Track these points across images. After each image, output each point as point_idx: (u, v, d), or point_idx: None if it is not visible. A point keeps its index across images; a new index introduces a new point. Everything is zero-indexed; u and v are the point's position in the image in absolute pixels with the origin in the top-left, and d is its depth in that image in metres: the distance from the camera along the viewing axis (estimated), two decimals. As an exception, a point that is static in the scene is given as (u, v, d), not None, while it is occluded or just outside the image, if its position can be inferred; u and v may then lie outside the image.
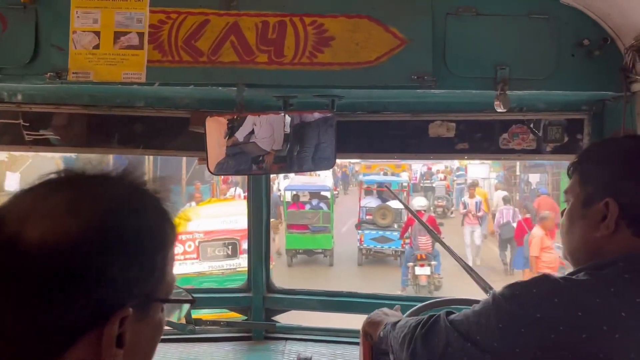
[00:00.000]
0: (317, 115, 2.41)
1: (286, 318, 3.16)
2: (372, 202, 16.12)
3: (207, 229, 8.93)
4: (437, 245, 11.23)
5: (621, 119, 2.16)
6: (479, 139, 2.59)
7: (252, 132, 2.36)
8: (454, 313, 1.36)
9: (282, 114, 2.35)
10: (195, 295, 2.92)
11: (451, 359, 1.28)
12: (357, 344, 2.41)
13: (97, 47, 2.04)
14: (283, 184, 17.22)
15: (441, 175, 25.18)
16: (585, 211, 1.31)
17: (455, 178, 24.93)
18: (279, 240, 14.79)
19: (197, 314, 3.22)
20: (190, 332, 2.80)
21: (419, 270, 11.27)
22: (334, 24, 2.12)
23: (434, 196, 21.63)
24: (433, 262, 11.39)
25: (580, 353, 1.11)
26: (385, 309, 1.92)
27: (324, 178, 17.61)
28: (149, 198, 0.83)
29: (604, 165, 1.31)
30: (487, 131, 2.58)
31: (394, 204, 14.77)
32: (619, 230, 1.25)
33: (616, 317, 1.12)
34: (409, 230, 12.32)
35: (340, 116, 2.44)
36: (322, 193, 15.78)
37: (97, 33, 2.05)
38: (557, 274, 1.26)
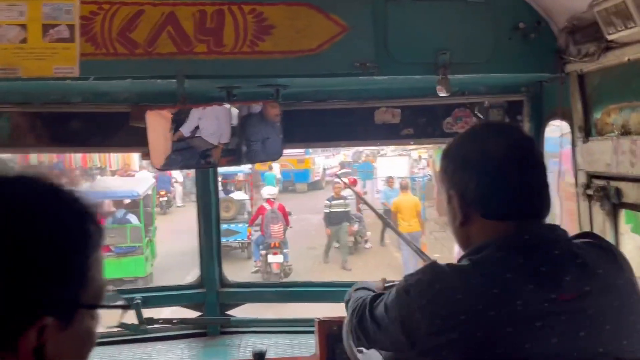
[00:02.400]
0: (262, 105, 2.38)
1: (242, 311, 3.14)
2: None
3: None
4: (286, 235, 11.99)
5: (558, 99, 2.23)
6: (424, 124, 2.63)
7: (198, 126, 2.31)
8: (379, 297, 1.43)
9: (226, 105, 2.30)
10: (146, 294, 2.83)
11: (381, 346, 1.41)
12: (312, 332, 2.42)
13: (24, 41, 1.94)
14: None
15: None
16: (448, 206, 1.41)
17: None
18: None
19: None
20: (142, 332, 2.73)
21: (272, 258, 11.45)
22: (274, 12, 2.09)
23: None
24: (286, 250, 11.69)
25: (464, 334, 1.19)
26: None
27: (138, 179, 14.33)
28: (65, 199, 0.78)
29: (445, 163, 1.42)
30: (431, 116, 2.62)
31: (237, 195, 14.37)
32: (471, 216, 1.35)
33: (490, 296, 1.20)
34: (259, 218, 12.28)
35: (285, 106, 2.42)
36: (128, 201, 12.41)
37: (24, 26, 1.94)
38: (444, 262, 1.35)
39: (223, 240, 12.32)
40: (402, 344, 1.28)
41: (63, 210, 0.77)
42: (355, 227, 13.85)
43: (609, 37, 1.78)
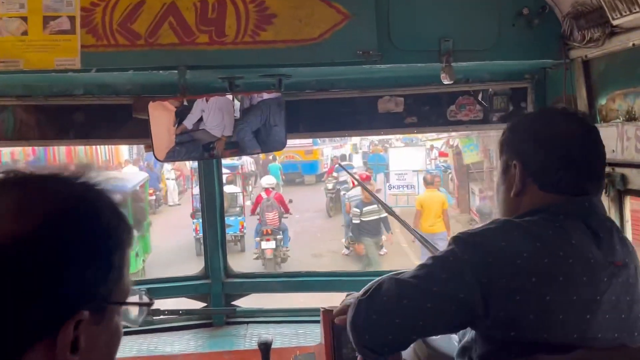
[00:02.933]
0: (265, 96, 2.37)
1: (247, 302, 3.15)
2: None
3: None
4: (285, 221, 12.15)
5: (562, 86, 2.21)
6: (427, 112, 2.61)
7: (201, 119, 2.31)
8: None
9: (229, 96, 2.29)
10: (151, 285, 2.85)
11: (411, 315, 1.27)
12: (318, 322, 2.43)
13: (25, 33, 1.94)
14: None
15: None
16: (504, 177, 1.46)
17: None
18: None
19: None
20: (147, 324, 2.74)
21: (265, 245, 11.61)
22: (276, 1, 2.07)
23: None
24: (279, 237, 11.73)
25: (543, 277, 1.22)
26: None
27: (126, 174, 13.76)
28: (103, 198, 0.80)
29: (511, 136, 1.47)
30: (435, 104, 2.61)
31: (229, 188, 13.26)
32: (527, 187, 1.39)
33: (569, 245, 1.25)
34: (258, 207, 12.33)
35: (288, 96, 2.41)
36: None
37: (25, 18, 1.94)
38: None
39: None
40: (467, 288, 1.21)
41: (105, 210, 0.79)
42: (390, 234, 11.56)
43: (614, 22, 1.76)
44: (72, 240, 0.73)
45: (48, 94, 2.44)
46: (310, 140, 20.48)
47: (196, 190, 13.94)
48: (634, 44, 1.79)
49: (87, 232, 0.75)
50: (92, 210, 0.77)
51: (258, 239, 11.87)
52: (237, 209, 13.69)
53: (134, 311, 0.86)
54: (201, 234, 12.96)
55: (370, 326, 1.32)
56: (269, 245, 11.57)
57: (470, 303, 1.22)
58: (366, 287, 1.42)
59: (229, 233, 12.97)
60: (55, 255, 0.71)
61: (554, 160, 1.36)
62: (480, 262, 1.23)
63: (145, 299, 0.86)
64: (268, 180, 13.08)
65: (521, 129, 1.46)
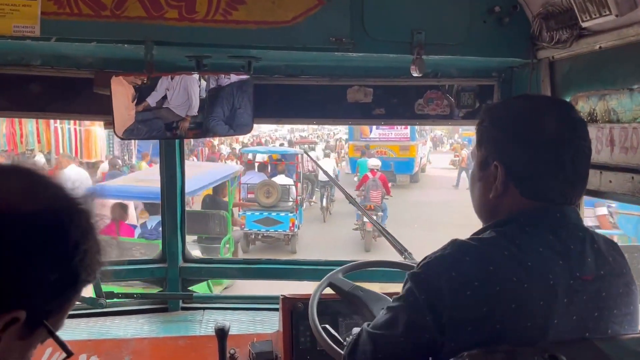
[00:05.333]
0: (233, 77, 2.32)
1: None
2: (254, 177, 13.88)
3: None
4: (386, 201, 13.56)
5: (528, 85, 2.25)
6: (395, 104, 2.62)
7: (165, 97, 2.24)
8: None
9: (195, 75, 2.23)
10: (106, 267, 2.76)
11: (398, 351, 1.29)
12: (276, 310, 2.41)
13: (-19, -5, 1.82)
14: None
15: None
16: (482, 173, 1.36)
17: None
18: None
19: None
20: (100, 306, 2.66)
21: (366, 218, 12.46)
22: (249, -20, 2.02)
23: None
24: (379, 213, 12.81)
25: (495, 305, 1.17)
26: None
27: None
28: (82, 215, 0.79)
29: (494, 129, 1.35)
30: (403, 97, 2.62)
31: (280, 179, 13.35)
32: (508, 191, 1.31)
33: (524, 268, 1.19)
34: (363, 185, 13.59)
35: (257, 79, 2.37)
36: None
37: (-19, -21, 1.82)
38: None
39: (263, 229, 11.57)
40: (428, 328, 1.21)
41: (79, 230, 0.78)
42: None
43: (583, 24, 1.80)
44: (45, 242, 0.72)
45: (2, 63, 2.32)
46: (407, 133, 19.01)
47: (244, 179, 13.30)
48: (600, 47, 1.83)
49: (61, 244, 0.74)
50: (70, 229, 0.76)
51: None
52: (290, 203, 12.97)
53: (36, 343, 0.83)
54: (247, 228, 12.21)
55: None
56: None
57: (434, 340, 1.21)
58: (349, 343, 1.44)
59: (277, 230, 12.45)
60: (31, 245, 0.71)
61: (542, 166, 1.27)
62: (434, 298, 1.20)
63: (66, 347, 0.82)
64: (374, 162, 14.46)
65: (506, 123, 1.34)
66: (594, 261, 1.25)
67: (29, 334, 0.75)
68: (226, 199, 10.32)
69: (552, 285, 1.19)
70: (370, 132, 19.82)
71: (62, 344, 0.79)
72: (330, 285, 1.94)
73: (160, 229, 7.84)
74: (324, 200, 15.49)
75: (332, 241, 12.70)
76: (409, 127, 18.43)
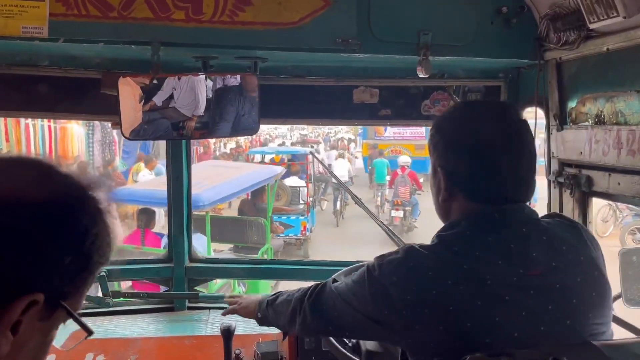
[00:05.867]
0: (239, 78, 2.32)
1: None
2: None
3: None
4: (417, 196, 14.10)
5: (535, 87, 2.24)
6: (402, 105, 2.62)
7: (172, 96, 2.24)
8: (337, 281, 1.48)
9: (202, 76, 2.24)
10: (113, 266, 2.75)
11: (343, 325, 1.42)
12: (281, 310, 2.41)
13: (-10, -4, 1.83)
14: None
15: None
16: (433, 180, 1.45)
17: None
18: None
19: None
20: (107, 306, 2.67)
21: (394, 213, 13.48)
22: (256, -18, 2.02)
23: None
24: (407, 208, 13.59)
25: (436, 309, 1.23)
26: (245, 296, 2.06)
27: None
28: (93, 202, 0.81)
29: (437, 137, 1.42)
30: (409, 98, 2.61)
31: (291, 181, 12.98)
32: (454, 195, 1.38)
33: (460, 271, 1.25)
34: (394, 182, 14.20)
35: (263, 80, 2.37)
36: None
37: (-10, -19, 1.83)
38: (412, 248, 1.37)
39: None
40: (368, 320, 1.32)
41: (99, 222, 0.81)
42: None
43: (591, 26, 1.79)
44: (65, 224, 0.76)
45: (11, 63, 2.33)
46: (423, 131, 18.49)
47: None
48: (608, 49, 1.82)
49: (74, 227, 0.77)
50: (82, 212, 0.79)
51: (389, 207, 13.97)
52: (300, 206, 12.54)
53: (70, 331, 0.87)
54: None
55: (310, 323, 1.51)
56: (397, 214, 13.41)
57: (382, 324, 1.31)
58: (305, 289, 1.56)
59: (288, 235, 11.83)
60: (39, 232, 0.74)
61: (478, 170, 1.34)
62: (376, 299, 1.30)
63: (87, 327, 0.86)
64: (404, 160, 14.96)
65: (445, 131, 1.41)
66: (544, 255, 1.28)
67: (48, 316, 0.77)
68: (265, 204, 9.77)
69: (490, 286, 1.23)
70: (385, 130, 19.86)
71: (81, 324, 0.82)
72: None
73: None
74: (337, 204, 15.00)
75: (351, 240, 12.12)
76: (423, 126, 18.19)
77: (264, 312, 1.80)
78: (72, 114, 2.60)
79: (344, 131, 26.55)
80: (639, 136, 1.70)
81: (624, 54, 1.78)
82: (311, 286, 1.54)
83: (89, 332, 0.85)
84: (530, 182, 1.37)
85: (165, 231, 8.69)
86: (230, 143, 22.41)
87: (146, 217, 7.71)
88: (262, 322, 1.84)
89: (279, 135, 31.53)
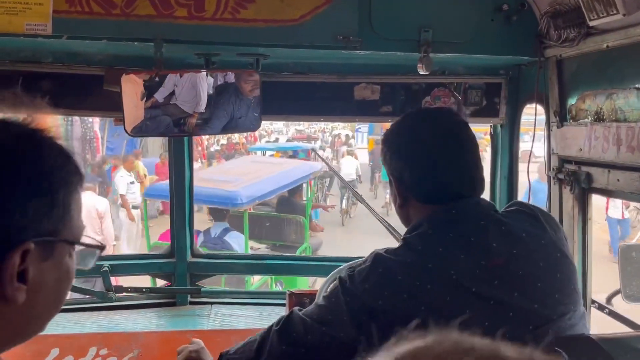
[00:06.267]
0: (241, 75, 2.34)
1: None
2: None
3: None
4: None
5: (535, 84, 2.25)
6: (403, 102, 2.62)
7: (173, 93, 2.26)
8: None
9: (203, 72, 2.25)
10: (115, 261, 2.78)
11: (315, 347, 1.39)
12: (283, 305, 2.43)
13: (-6, -7, 1.85)
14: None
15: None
16: (390, 188, 1.52)
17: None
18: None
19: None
20: (110, 300, 2.70)
21: None
22: (258, -21, 2.03)
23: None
24: None
25: (408, 311, 1.25)
26: (190, 346, 1.91)
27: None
28: (48, 139, 0.83)
29: (385, 147, 1.51)
30: (410, 94, 2.62)
31: None
32: (409, 201, 1.46)
33: (425, 270, 1.29)
34: None
35: (265, 76, 2.38)
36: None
37: (-6, -22, 1.85)
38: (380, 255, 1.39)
39: None
40: (348, 331, 1.32)
41: (47, 149, 0.82)
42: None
43: (590, 23, 1.80)
44: (14, 173, 0.76)
45: (15, 60, 2.35)
46: None
47: None
48: (607, 46, 1.83)
49: (30, 166, 0.78)
50: (35, 148, 0.80)
51: None
52: (303, 203, 11.76)
53: (86, 254, 0.89)
54: None
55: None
56: None
57: (348, 342, 1.31)
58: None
59: None
60: None
61: (421, 174, 1.42)
62: (352, 308, 1.32)
63: (96, 244, 0.88)
64: None
65: (389, 142, 1.50)
66: (504, 244, 1.32)
67: (50, 254, 0.79)
68: (303, 201, 9.52)
69: (456, 280, 1.27)
70: None
71: (86, 245, 0.85)
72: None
73: (225, 237, 6.60)
74: (344, 202, 14.66)
75: (356, 240, 11.95)
76: None
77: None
78: (75, 110, 2.60)
79: (340, 127, 26.40)
80: (638, 133, 1.72)
81: (624, 51, 1.79)
82: (274, 322, 1.50)
83: (101, 248, 0.88)
84: (475, 177, 1.45)
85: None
86: (223, 139, 22.07)
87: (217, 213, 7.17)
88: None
89: (274, 131, 31.35)
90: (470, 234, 1.33)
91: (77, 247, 0.85)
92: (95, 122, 13.04)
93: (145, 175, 12.76)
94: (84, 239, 0.85)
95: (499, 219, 1.38)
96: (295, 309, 1.49)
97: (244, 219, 7.20)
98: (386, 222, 2.46)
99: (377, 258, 1.36)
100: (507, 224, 1.37)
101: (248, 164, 9.63)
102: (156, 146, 15.95)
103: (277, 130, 31.74)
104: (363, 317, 1.30)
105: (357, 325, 1.31)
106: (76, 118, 11.46)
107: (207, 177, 7.86)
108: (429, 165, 1.41)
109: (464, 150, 1.44)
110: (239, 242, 6.80)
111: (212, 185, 6.83)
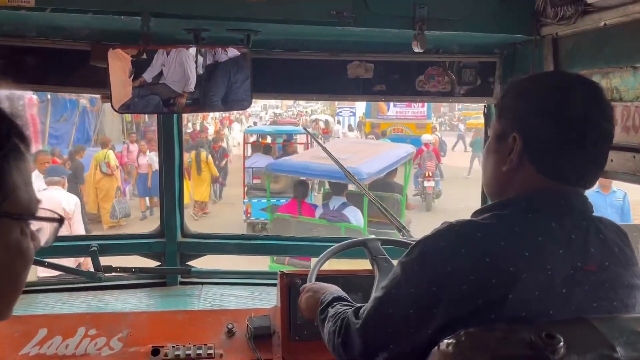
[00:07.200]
0: (231, 52, 2.28)
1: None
2: (260, 161, 12.67)
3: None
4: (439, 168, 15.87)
5: (531, 63, 2.22)
6: (397, 80, 2.59)
7: (161, 73, 2.21)
8: (361, 308, 1.38)
9: (192, 49, 2.20)
10: (105, 241, 2.74)
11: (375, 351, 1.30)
12: (274, 285, 2.42)
13: (-27, -38, 1.77)
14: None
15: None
16: (498, 145, 1.32)
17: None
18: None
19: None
20: (99, 280, 2.67)
21: (426, 183, 15.05)
22: (249, -49, 1.97)
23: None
24: (437, 179, 15.48)
25: (491, 298, 1.15)
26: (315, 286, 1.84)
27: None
28: None
29: (517, 101, 1.31)
30: (404, 73, 2.58)
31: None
32: (523, 165, 1.27)
33: (522, 258, 1.16)
34: (419, 157, 15.09)
35: (256, 53, 2.33)
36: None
37: (-27, -54, 1.77)
38: (460, 220, 1.26)
39: (267, 218, 10.20)
40: (422, 317, 1.21)
41: None
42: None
43: (588, 0, 1.77)
44: None
45: None
46: (424, 111, 19.73)
47: (249, 162, 12.55)
48: (605, 24, 1.80)
49: None
50: None
51: (420, 179, 15.16)
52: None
53: (43, 230, 0.81)
54: (253, 217, 11.56)
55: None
56: (429, 183, 15.04)
57: (441, 293, 1.19)
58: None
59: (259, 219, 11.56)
60: None
61: (564, 144, 1.23)
62: (431, 285, 1.20)
63: (51, 216, 0.80)
64: (427, 137, 16.50)
65: (532, 96, 1.28)
66: (599, 251, 1.23)
67: None
68: (400, 181, 10.06)
69: (550, 276, 1.16)
70: (388, 109, 20.17)
71: (42, 219, 0.78)
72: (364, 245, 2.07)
73: (344, 211, 7.54)
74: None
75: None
76: (425, 105, 18.79)
77: (321, 319, 1.62)
78: (61, 87, 2.54)
79: (318, 112, 26.00)
80: (633, 112, 1.70)
81: (621, 29, 1.76)
82: (339, 322, 1.44)
83: (57, 220, 0.80)
84: (600, 171, 1.30)
85: (317, 202, 9.17)
86: (189, 128, 20.51)
87: (303, 188, 8.05)
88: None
89: (252, 114, 30.85)
90: (571, 231, 1.21)
91: (35, 223, 0.78)
92: (31, 104, 11.72)
93: (116, 167, 12.24)
94: (41, 212, 0.78)
95: (598, 225, 1.27)
96: (351, 314, 1.39)
97: (363, 197, 7.73)
98: (388, 211, 2.43)
99: (460, 236, 1.21)
100: (603, 232, 1.26)
101: (350, 145, 10.65)
102: (114, 134, 15.38)
103: (255, 114, 31.32)
104: (440, 303, 1.18)
105: (436, 285, 1.19)
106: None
107: (321, 155, 8.37)
108: (578, 138, 1.22)
109: (609, 138, 1.28)
110: (356, 217, 7.58)
111: (328, 162, 7.26)
